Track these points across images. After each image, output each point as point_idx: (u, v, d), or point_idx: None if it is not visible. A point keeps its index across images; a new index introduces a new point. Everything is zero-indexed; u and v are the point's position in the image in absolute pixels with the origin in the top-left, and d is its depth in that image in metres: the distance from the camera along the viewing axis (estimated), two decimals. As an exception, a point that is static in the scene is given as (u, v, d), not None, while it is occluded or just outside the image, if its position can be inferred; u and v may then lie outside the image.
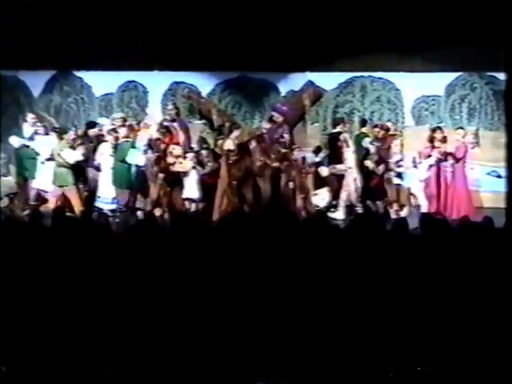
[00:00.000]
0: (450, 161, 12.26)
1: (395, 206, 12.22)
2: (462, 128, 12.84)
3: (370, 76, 13.95)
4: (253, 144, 12.25)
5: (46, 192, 12.35)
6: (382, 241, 6.20)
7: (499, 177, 12.79)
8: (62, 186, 12.03)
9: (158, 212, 11.46)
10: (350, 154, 12.45)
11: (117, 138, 12.22)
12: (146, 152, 12.11)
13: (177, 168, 12.20)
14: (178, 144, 12.65)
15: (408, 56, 13.38)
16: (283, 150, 12.26)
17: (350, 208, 12.30)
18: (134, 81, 14.37)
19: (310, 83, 13.88)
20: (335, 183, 12.54)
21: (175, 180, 12.25)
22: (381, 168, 12.38)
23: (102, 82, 14.36)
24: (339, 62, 13.64)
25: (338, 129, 12.86)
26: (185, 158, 12.32)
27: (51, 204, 11.77)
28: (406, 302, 5.37)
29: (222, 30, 13.22)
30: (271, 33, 13.18)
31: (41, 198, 12.36)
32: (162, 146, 12.32)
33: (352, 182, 12.35)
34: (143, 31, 13.48)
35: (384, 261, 5.75)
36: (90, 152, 12.32)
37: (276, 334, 5.24)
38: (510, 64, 8.53)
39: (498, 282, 5.51)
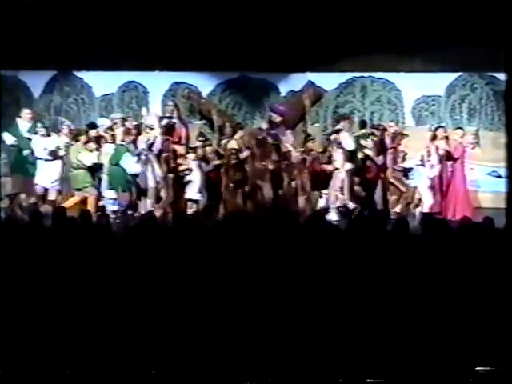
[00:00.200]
0: (449, 161, 12.27)
1: (402, 205, 12.20)
2: (460, 128, 12.84)
3: (370, 76, 13.94)
4: (250, 147, 12.27)
5: (47, 189, 12.36)
6: (382, 241, 6.20)
7: (499, 177, 12.78)
8: (81, 189, 12.03)
9: (158, 212, 11.42)
10: (339, 155, 12.44)
11: (113, 138, 12.21)
12: (146, 155, 12.10)
13: (183, 166, 12.22)
14: (179, 141, 12.68)
15: (408, 56, 13.37)
16: (284, 150, 12.24)
17: (345, 209, 12.28)
18: (134, 81, 14.35)
19: (311, 83, 13.87)
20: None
21: (182, 180, 12.27)
22: (380, 158, 12.37)
23: (102, 82, 14.33)
24: (339, 62, 13.64)
25: (340, 125, 12.85)
26: (186, 157, 12.33)
27: (71, 204, 11.74)
28: (407, 302, 5.37)
29: (223, 30, 13.22)
30: (271, 33, 13.18)
31: (42, 195, 12.37)
32: (166, 145, 12.32)
33: (338, 183, 12.33)
34: (143, 31, 13.46)
35: (384, 261, 5.75)
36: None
37: (276, 334, 5.24)
38: (510, 64, 8.53)
39: (499, 281, 5.52)
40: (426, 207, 12.11)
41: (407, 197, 12.33)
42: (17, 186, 12.43)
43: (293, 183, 12.19)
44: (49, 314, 5.44)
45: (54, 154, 12.44)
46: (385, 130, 12.83)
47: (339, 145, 12.52)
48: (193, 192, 12.29)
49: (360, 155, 12.51)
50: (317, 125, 13.95)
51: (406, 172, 12.47)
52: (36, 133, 12.62)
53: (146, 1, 13.35)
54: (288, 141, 12.71)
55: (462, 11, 12.82)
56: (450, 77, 13.74)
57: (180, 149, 12.50)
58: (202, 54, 13.44)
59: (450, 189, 12.24)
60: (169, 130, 12.68)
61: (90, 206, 11.60)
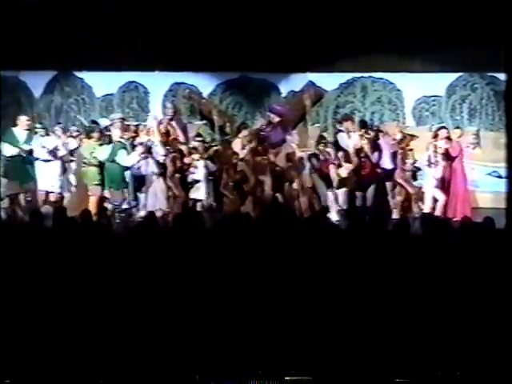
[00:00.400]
0: (448, 160, 12.27)
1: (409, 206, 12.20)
2: (458, 128, 12.82)
3: (370, 76, 13.94)
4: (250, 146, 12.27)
5: (53, 193, 12.35)
6: (383, 241, 6.21)
7: (500, 177, 12.78)
8: (95, 185, 12.07)
9: (159, 212, 11.42)
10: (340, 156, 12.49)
11: (110, 138, 12.22)
12: (146, 156, 12.11)
13: (191, 165, 12.25)
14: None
15: (409, 56, 13.37)
16: (289, 151, 12.24)
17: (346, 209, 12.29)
18: (134, 81, 14.36)
19: (311, 84, 13.87)
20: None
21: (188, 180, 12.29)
22: (376, 155, 12.38)
23: (102, 82, 14.34)
24: (340, 62, 13.64)
25: (344, 126, 12.85)
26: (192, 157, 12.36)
27: (92, 204, 11.73)
28: (408, 303, 5.37)
29: (223, 30, 13.22)
30: (272, 33, 13.17)
31: (49, 199, 12.35)
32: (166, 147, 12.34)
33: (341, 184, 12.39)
34: (144, 32, 13.46)
35: (385, 261, 5.75)
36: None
37: (276, 334, 5.24)
38: (510, 64, 8.53)
39: (499, 282, 5.52)
40: (432, 208, 12.07)
41: (415, 198, 12.29)
42: (16, 190, 12.37)
43: (294, 185, 12.16)
44: (49, 315, 5.44)
45: (53, 154, 12.42)
46: (379, 131, 12.83)
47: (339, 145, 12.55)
48: (198, 192, 12.30)
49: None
50: (317, 125, 13.96)
51: (415, 173, 12.41)
52: (36, 133, 12.55)
53: (147, 1, 13.35)
54: (293, 141, 12.70)
55: (463, 11, 12.82)
56: (451, 77, 13.74)
57: (185, 149, 12.50)
58: (202, 54, 13.44)
59: (451, 188, 12.24)
60: (167, 131, 12.67)
61: (92, 206, 11.58)
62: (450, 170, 12.30)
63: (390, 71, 13.75)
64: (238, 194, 12.05)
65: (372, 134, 12.63)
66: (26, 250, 6.06)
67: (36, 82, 14.41)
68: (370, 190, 12.37)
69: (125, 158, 12.00)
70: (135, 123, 13.03)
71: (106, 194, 12.08)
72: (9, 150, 12.23)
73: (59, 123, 13.51)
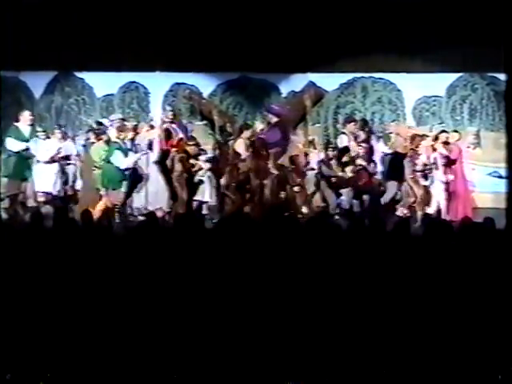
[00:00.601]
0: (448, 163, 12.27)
1: (421, 208, 12.18)
2: (456, 131, 12.78)
3: (371, 77, 13.95)
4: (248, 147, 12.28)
5: (49, 194, 12.34)
6: (384, 242, 6.20)
7: (500, 177, 12.78)
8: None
9: (160, 212, 11.42)
10: (318, 155, 12.47)
11: (108, 138, 12.22)
12: (147, 153, 12.11)
13: (197, 167, 12.27)
14: (177, 145, 12.68)
15: (409, 57, 13.37)
16: (293, 154, 12.23)
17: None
18: (135, 82, 14.37)
19: (311, 84, 13.87)
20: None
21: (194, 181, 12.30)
22: (372, 166, 12.40)
23: (103, 82, 14.35)
24: (340, 62, 13.64)
25: (346, 128, 12.86)
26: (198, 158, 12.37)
27: (102, 205, 11.73)
28: (408, 304, 5.37)
29: (223, 30, 13.22)
30: (272, 33, 13.17)
31: (45, 200, 12.34)
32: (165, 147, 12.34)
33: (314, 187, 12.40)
34: (144, 32, 13.46)
35: (385, 262, 5.75)
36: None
37: (277, 335, 5.24)
38: (510, 64, 8.53)
39: (500, 282, 5.51)
40: (437, 209, 12.05)
41: (423, 199, 12.22)
42: (16, 189, 12.36)
43: (295, 187, 12.14)
44: (50, 315, 5.45)
45: (54, 157, 12.40)
46: (371, 132, 12.85)
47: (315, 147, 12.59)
48: (203, 193, 12.31)
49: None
50: (318, 125, 13.96)
51: (426, 174, 12.33)
52: (37, 136, 12.53)
53: (147, 2, 13.35)
54: (300, 141, 12.67)
55: (463, 12, 12.82)
56: (451, 77, 13.75)
57: (191, 150, 12.49)
58: (202, 54, 13.44)
59: (451, 190, 12.24)
60: (168, 133, 12.66)
61: (99, 208, 11.59)
62: (450, 172, 12.28)
63: (390, 71, 13.76)
64: (239, 195, 12.03)
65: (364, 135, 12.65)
66: (26, 250, 6.06)
67: (36, 82, 14.43)
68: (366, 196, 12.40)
69: (120, 159, 11.93)
70: (135, 123, 13.00)
71: (104, 194, 12.03)
72: (14, 146, 12.24)
73: (60, 125, 13.45)
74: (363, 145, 12.46)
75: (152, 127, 12.57)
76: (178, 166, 12.21)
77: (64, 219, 7.21)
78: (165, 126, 12.64)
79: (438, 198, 12.18)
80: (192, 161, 12.35)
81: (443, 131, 12.64)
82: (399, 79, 13.81)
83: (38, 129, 12.66)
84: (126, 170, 12.04)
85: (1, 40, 12.16)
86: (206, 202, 12.32)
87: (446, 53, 13.04)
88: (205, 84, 14.19)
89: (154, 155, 12.23)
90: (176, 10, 13.21)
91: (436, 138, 12.42)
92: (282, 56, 13.37)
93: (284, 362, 5.14)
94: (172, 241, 6.21)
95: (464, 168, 12.41)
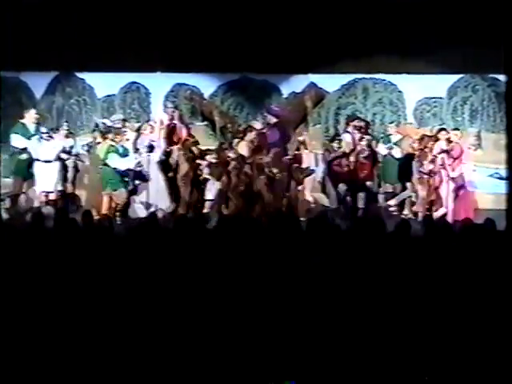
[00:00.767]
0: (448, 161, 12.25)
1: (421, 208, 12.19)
2: (457, 129, 12.80)
3: (372, 78, 13.96)
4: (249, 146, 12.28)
5: (50, 193, 12.35)
6: (384, 243, 6.21)
7: (501, 178, 12.78)
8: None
9: (161, 213, 11.41)
10: (308, 156, 12.47)
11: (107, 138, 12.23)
12: (149, 154, 12.11)
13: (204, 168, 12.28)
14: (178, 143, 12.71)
15: (410, 58, 13.37)
16: (296, 152, 12.23)
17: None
18: (136, 82, 14.39)
19: (312, 85, 13.86)
20: None
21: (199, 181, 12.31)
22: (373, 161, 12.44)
23: (104, 83, 14.37)
24: (341, 63, 13.65)
25: (351, 126, 12.87)
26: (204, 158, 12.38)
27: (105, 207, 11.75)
28: (409, 305, 5.37)
29: (224, 31, 13.23)
30: (273, 34, 13.18)
31: (46, 200, 12.35)
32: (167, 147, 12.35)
33: (310, 183, 12.38)
34: (145, 33, 13.47)
35: (385, 263, 5.75)
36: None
37: (278, 336, 5.24)
38: (510, 66, 8.53)
39: (500, 283, 5.51)
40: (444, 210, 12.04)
41: (428, 201, 12.19)
42: (18, 188, 12.37)
43: (299, 187, 12.13)
44: (51, 315, 5.45)
45: (58, 156, 12.42)
46: (366, 133, 12.87)
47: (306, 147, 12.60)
48: (207, 194, 12.33)
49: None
50: (318, 126, 13.97)
51: (433, 175, 12.27)
52: (41, 135, 12.53)
53: (148, 2, 13.36)
54: (306, 142, 12.66)
55: (464, 13, 12.83)
56: (452, 78, 13.76)
57: (196, 150, 12.51)
58: (203, 55, 13.45)
59: (456, 190, 12.22)
60: (170, 131, 12.66)
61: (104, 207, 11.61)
62: (452, 172, 12.28)
63: (391, 72, 13.77)
64: (242, 196, 12.02)
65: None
66: (27, 251, 6.07)
67: (37, 82, 14.44)
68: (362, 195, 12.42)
69: (116, 160, 11.90)
70: (138, 124, 13.01)
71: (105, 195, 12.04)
72: (20, 143, 12.26)
73: (64, 124, 13.47)
74: (364, 145, 12.48)
75: (153, 128, 12.56)
76: (184, 166, 12.20)
77: (65, 220, 7.20)
78: (167, 123, 12.66)
79: (446, 200, 12.13)
80: (198, 161, 12.37)
81: (442, 129, 12.62)
82: (400, 80, 13.82)
83: (43, 128, 12.65)
84: (128, 171, 12.05)
85: (2, 40, 12.18)
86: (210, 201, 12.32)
87: (446, 54, 13.05)
88: (206, 84, 14.20)
89: (156, 155, 12.22)
90: (177, 11, 13.22)
91: (436, 138, 12.41)
92: (282, 57, 13.38)
93: (284, 362, 5.14)
94: (173, 242, 6.22)
95: (465, 168, 12.40)
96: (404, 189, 12.60)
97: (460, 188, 12.24)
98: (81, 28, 13.48)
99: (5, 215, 11.42)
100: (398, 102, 13.93)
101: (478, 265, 5.69)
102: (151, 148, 12.25)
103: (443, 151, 12.14)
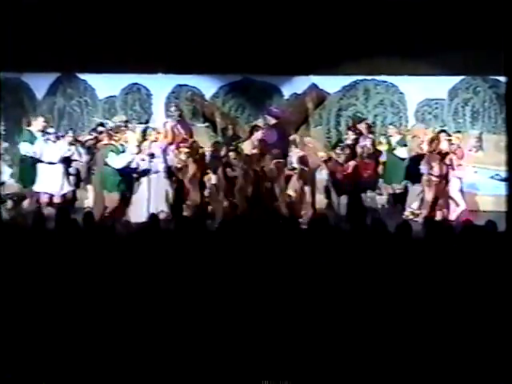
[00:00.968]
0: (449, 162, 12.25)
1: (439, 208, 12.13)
2: (459, 132, 12.79)
3: (373, 79, 13.96)
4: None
5: (53, 195, 12.34)
6: (385, 245, 6.21)
7: (502, 180, 12.77)
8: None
9: (162, 215, 11.40)
10: (295, 155, 12.49)
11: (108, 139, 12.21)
12: (152, 156, 12.07)
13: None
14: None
15: (411, 59, 13.37)
16: (300, 154, 12.21)
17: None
18: (137, 83, 14.39)
19: (314, 86, 13.89)
20: None
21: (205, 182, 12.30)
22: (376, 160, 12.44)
23: (105, 84, 14.37)
24: (343, 65, 13.64)
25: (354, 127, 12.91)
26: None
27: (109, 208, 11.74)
28: (410, 306, 5.38)
29: (226, 32, 13.23)
30: (275, 36, 13.18)
31: (48, 202, 12.34)
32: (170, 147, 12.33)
33: (296, 182, 12.36)
34: (147, 34, 13.47)
35: (386, 265, 5.76)
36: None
37: (279, 337, 5.25)
38: (510, 67, 8.53)
39: (501, 285, 5.52)
40: (460, 209, 12.00)
41: (435, 203, 12.11)
42: (22, 190, 12.38)
43: (306, 187, 12.10)
44: (52, 316, 5.46)
45: (63, 160, 12.40)
46: (361, 133, 12.88)
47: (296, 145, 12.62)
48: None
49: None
50: (320, 127, 13.98)
51: (442, 178, 12.20)
52: (48, 138, 12.51)
53: (150, 3, 13.37)
54: (310, 142, 12.64)
55: (465, 15, 12.82)
56: (453, 80, 13.76)
57: (202, 151, 12.51)
58: (205, 56, 13.45)
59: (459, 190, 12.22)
60: (174, 135, 12.67)
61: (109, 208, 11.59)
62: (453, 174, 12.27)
63: (392, 74, 13.77)
64: (244, 197, 12.03)
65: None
66: (28, 251, 6.08)
67: (39, 83, 14.45)
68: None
69: (115, 161, 11.87)
70: (140, 126, 13.00)
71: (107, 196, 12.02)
72: (29, 149, 12.29)
73: (71, 128, 13.46)
74: (368, 143, 12.49)
75: (159, 133, 12.51)
76: (192, 167, 12.19)
77: (67, 221, 7.21)
78: (170, 124, 12.66)
79: (453, 201, 12.09)
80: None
81: (442, 131, 12.62)
82: (401, 82, 13.82)
83: (49, 130, 12.62)
84: (129, 172, 12.03)
85: (3, 41, 12.19)
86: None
87: (447, 56, 13.05)
88: (207, 86, 14.21)
89: (160, 157, 12.19)
90: (178, 12, 13.22)
91: (437, 140, 12.40)
92: (284, 58, 13.38)
93: (284, 363, 5.15)
94: (174, 243, 6.23)
95: (466, 170, 12.40)
96: (407, 190, 12.59)
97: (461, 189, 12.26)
98: (82, 29, 13.47)
99: (7, 216, 11.45)
100: (399, 104, 13.93)
101: (479, 266, 5.70)
102: (152, 156, 12.14)
103: (451, 152, 12.12)
